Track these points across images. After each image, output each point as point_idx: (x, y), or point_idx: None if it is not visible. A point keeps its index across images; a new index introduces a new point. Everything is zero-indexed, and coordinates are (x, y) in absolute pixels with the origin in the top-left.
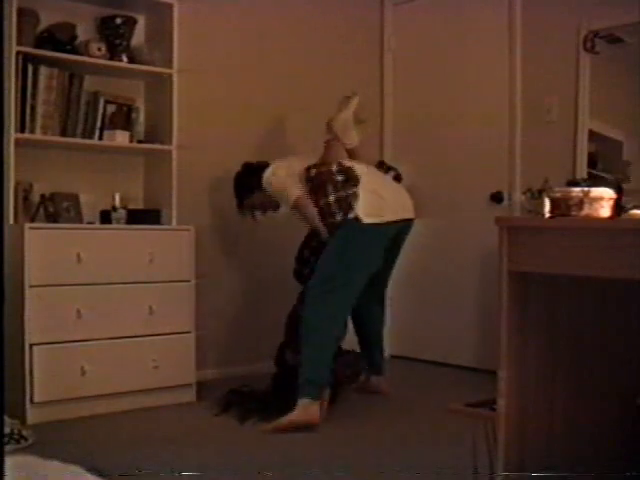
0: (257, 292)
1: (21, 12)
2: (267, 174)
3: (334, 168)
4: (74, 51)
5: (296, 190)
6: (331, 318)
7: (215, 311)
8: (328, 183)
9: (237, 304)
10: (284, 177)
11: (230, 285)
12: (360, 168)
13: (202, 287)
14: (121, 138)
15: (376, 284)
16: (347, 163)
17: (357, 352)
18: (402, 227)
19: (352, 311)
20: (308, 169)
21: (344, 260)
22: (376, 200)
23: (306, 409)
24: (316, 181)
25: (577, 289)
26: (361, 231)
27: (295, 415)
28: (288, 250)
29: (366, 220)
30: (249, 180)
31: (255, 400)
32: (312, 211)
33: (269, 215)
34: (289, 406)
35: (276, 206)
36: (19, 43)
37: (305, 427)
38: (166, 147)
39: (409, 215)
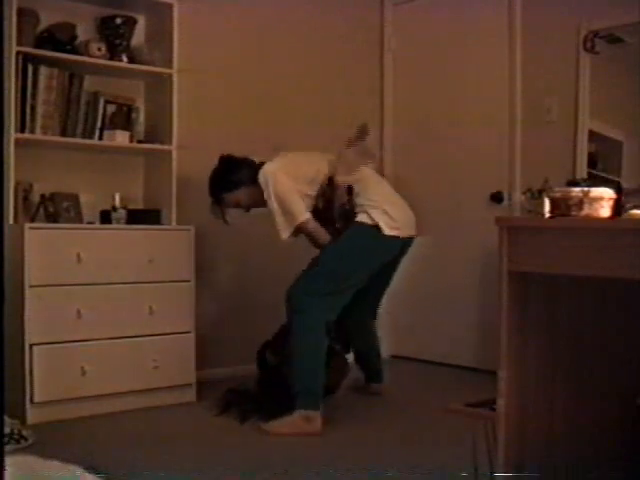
0: (257, 292)
1: (21, 12)
2: (268, 177)
3: (336, 213)
4: (74, 51)
5: (303, 212)
6: (324, 320)
7: (215, 311)
8: (328, 225)
9: (237, 304)
10: (289, 188)
11: (230, 285)
12: (375, 185)
13: (202, 287)
14: (121, 138)
15: (372, 299)
16: (353, 179)
17: (341, 352)
18: (406, 243)
19: (348, 327)
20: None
21: (353, 264)
22: (397, 212)
23: (309, 420)
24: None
25: (577, 289)
26: (377, 239)
27: (298, 426)
28: (288, 250)
29: (387, 231)
30: (234, 174)
31: (252, 400)
32: (319, 232)
33: (252, 212)
34: (283, 405)
35: (258, 203)
36: (19, 43)
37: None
38: (166, 147)
39: (414, 232)
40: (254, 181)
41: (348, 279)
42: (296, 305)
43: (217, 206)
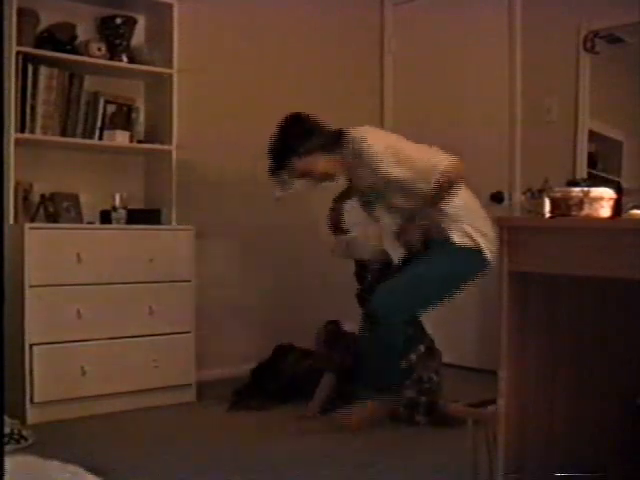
0: (257, 291)
1: (21, 12)
2: (371, 138)
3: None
4: (74, 51)
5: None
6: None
7: (215, 311)
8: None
9: (237, 304)
10: (396, 139)
11: (230, 285)
12: (464, 196)
13: (202, 287)
14: (121, 138)
15: None
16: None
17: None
18: None
19: None
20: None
21: (451, 289)
22: (489, 229)
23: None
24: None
25: (577, 289)
26: (479, 266)
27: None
28: (288, 250)
29: (489, 256)
30: (308, 137)
31: (255, 399)
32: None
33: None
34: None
35: (332, 176)
36: (19, 43)
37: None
38: (166, 147)
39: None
40: (331, 148)
41: (441, 299)
42: (383, 318)
43: (279, 174)
